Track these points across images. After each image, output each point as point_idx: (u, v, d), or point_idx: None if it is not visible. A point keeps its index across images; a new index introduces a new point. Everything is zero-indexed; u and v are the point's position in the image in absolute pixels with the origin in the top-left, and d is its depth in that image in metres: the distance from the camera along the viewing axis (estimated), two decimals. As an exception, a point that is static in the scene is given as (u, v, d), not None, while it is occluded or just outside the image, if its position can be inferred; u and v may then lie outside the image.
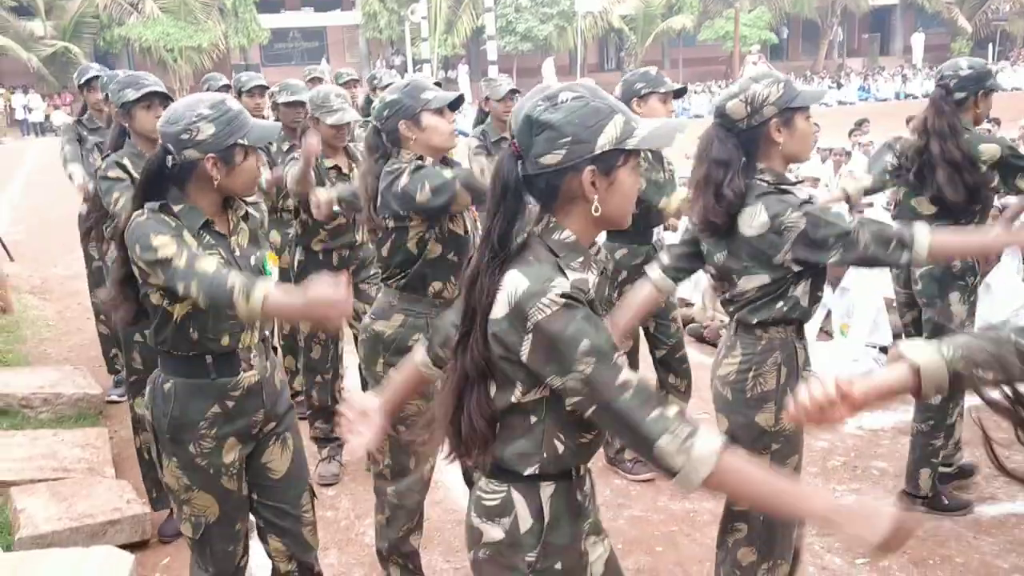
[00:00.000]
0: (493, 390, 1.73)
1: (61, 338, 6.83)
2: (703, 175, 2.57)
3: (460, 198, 2.81)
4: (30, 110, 28.17)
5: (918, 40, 35.26)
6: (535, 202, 1.73)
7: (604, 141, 1.64)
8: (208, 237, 2.42)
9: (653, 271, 2.86)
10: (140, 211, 2.37)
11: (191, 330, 2.43)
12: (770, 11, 34.26)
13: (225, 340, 2.47)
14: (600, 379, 1.60)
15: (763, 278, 2.55)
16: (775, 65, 30.60)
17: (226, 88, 6.16)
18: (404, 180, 2.81)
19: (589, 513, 1.87)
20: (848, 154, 10.76)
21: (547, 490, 1.77)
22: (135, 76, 3.61)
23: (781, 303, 2.57)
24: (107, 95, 4.13)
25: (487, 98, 5.49)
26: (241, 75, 5.92)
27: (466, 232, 3.01)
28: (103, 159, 3.63)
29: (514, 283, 1.65)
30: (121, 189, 3.43)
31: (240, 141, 2.36)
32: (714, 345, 6.14)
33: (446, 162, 3.02)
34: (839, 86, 31.08)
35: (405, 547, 3.17)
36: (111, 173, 3.48)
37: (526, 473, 1.75)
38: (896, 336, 5.72)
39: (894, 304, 5.92)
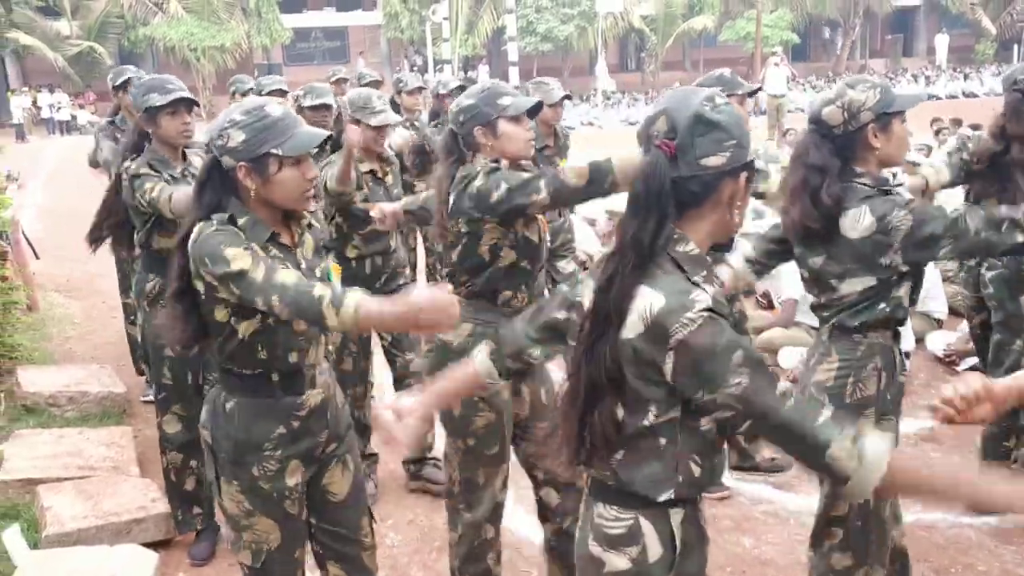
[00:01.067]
0: (621, 413, 1.65)
1: (86, 336, 6.90)
2: (799, 181, 2.57)
3: (539, 200, 2.70)
4: (57, 108, 28.43)
5: (942, 41, 34.95)
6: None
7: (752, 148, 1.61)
8: (275, 250, 2.28)
9: (736, 259, 2.83)
10: (207, 222, 2.24)
11: (259, 348, 2.30)
12: (792, 12, 34.09)
13: (293, 357, 2.35)
14: (758, 391, 1.54)
15: (868, 280, 2.55)
16: (796, 67, 30.45)
17: (252, 91, 6.18)
18: (479, 181, 2.75)
19: (708, 538, 1.82)
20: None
21: (677, 516, 1.71)
22: (161, 80, 3.50)
23: (884, 304, 2.57)
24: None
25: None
26: (261, 79, 5.97)
27: (540, 240, 2.90)
28: (125, 161, 3.55)
29: (647, 300, 1.58)
30: (154, 180, 3.39)
31: (273, 151, 2.20)
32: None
33: (520, 168, 2.92)
34: (862, 87, 30.84)
35: (479, 566, 3.04)
36: (143, 170, 3.43)
37: (660, 499, 1.68)
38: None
39: (917, 309, 5.95)
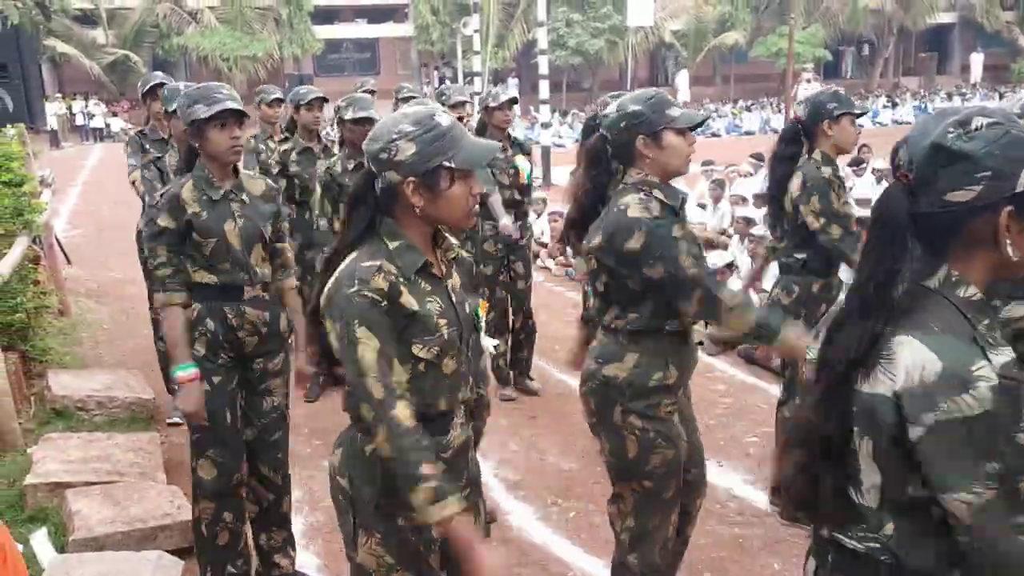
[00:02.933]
0: (877, 479, 1.47)
1: (115, 341, 6.95)
2: None
3: (686, 310, 2.58)
4: (91, 116, 28.80)
5: (977, 60, 34.61)
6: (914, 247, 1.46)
7: None
8: (424, 283, 2.08)
9: None
10: (355, 266, 2.01)
11: (409, 395, 2.07)
12: (824, 28, 33.92)
13: (442, 404, 2.15)
14: (993, 515, 1.33)
15: None
16: (828, 83, 30.22)
17: (279, 101, 6.10)
18: (635, 244, 2.55)
19: None
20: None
21: None
22: (207, 89, 3.16)
23: None
24: (174, 110, 3.98)
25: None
26: (299, 88, 5.74)
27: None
28: (173, 174, 3.41)
29: (919, 358, 1.37)
30: (158, 241, 3.16)
31: (445, 163, 2.01)
32: (764, 367, 6.06)
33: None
34: (894, 105, 30.62)
35: None
36: (154, 226, 3.18)
37: None
38: None
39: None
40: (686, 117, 2.66)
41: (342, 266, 2.05)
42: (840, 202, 3.71)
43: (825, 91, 3.84)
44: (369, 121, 4.54)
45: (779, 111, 25.81)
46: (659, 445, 2.69)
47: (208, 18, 30.54)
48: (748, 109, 30.06)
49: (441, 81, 33.23)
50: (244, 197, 3.27)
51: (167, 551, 3.58)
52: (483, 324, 2.24)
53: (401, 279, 2.02)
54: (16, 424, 4.57)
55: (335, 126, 5.21)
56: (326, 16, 34.04)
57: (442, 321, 2.07)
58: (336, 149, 5.53)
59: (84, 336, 6.95)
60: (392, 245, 2.06)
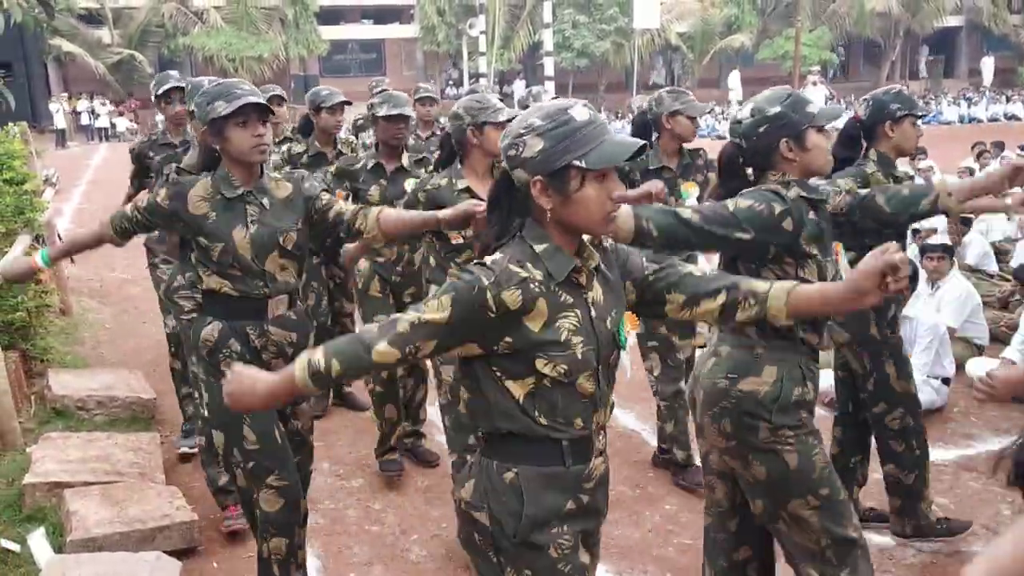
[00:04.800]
0: None
1: (117, 341, 6.93)
2: None
3: None
4: (96, 116, 28.84)
5: (988, 64, 34.41)
6: None
7: None
8: (565, 294, 1.90)
9: None
10: (501, 258, 1.87)
11: (536, 413, 1.91)
12: (831, 31, 33.86)
13: (579, 423, 1.95)
14: None
15: None
16: (835, 86, 30.23)
17: (279, 99, 5.72)
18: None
19: None
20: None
21: None
22: (227, 85, 2.93)
23: None
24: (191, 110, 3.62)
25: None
26: (319, 89, 5.33)
27: (837, 273, 2.63)
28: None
29: None
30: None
31: (576, 163, 1.82)
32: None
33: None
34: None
35: None
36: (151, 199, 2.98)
37: None
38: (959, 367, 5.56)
39: (956, 335, 5.83)
40: (824, 114, 2.56)
41: (490, 259, 1.89)
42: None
43: (888, 90, 3.64)
44: (404, 119, 4.34)
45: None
46: (816, 447, 2.57)
47: (214, 18, 30.57)
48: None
49: (447, 83, 33.22)
50: (264, 201, 2.99)
51: (165, 552, 3.55)
52: (627, 342, 2.02)
53: (543, 287, 1.86)
54: (16, 423, 4.55)
55: (352, 127, 4.92)
56: (332, 17, 34.06)
57: (576, 339, 1.88)
58: (360, 151, 5.28)
59: (86, 336, 6.93)
60: (539, 248, 1.89)
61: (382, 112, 4.30)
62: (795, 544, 2.62)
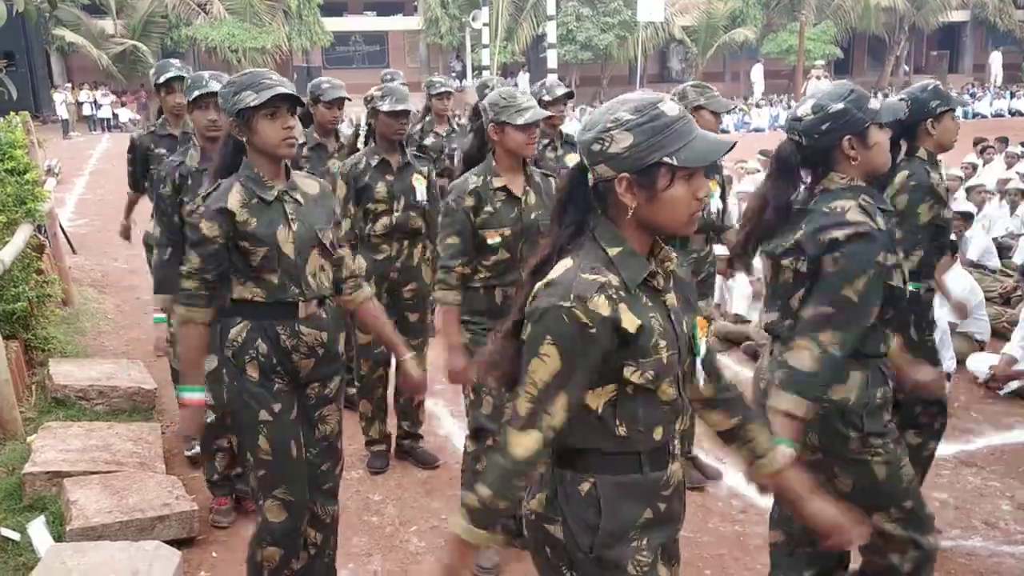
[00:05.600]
0: None
1: (119, 331, 6.94)
2: None
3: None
4: (99, 106, 28.83)
5: (996, 59, 34.18)
6: None
7: None
8: (645, 298, 1.81)
9: None
10: (571, 270, 1.77)
11: (616, 423, 1.83)
12: (836, 26, 33.77)
13: (658, 434, 1.87)
14: None
15: None
16: (839, 80, 29.96)
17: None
18: (832, 266, 2.37)
19: None
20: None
21: None
22: (255, 75, 2.77)
23: None
24: (193, 99, 3.71)
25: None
26: (320, 81, 5.12)
27: (904, 284, 2.54)
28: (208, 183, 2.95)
29: None
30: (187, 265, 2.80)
31: (666, 159, 1.73)
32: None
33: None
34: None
35: None
36: (196, 232, 2.77)
37: None
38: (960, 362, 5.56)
39: (958, 330, 5.83)
40: (888, 109, 2.49)
41: (558, 270, 1.79)
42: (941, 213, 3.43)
43: (924, 87, 3.55)
44: (406, 114, 4.26)
45: (789, 108, 25.65)
46: (903, 458, 2.52)
47: (217, 9, 30.49)
48: (758, 105, 29.92)
49: (451, 75, 33.11)
50: (298, 197, 2.87)
51: (165, 541, 3.56)
52: (702, 347, 1.95)
53: (623, 293, 1.77)
54: (17, 412, 4.56)
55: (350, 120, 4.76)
56: (335, 8, 33.98)
57: (662, 342, 1.80)
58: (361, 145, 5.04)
59: (87, 325, 6.94)
60: (613, 252, 1.79)
61: (384, 107, 4.21)
62: (872, 554, 2.61)
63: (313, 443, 3.02)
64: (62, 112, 26.43)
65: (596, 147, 1.77)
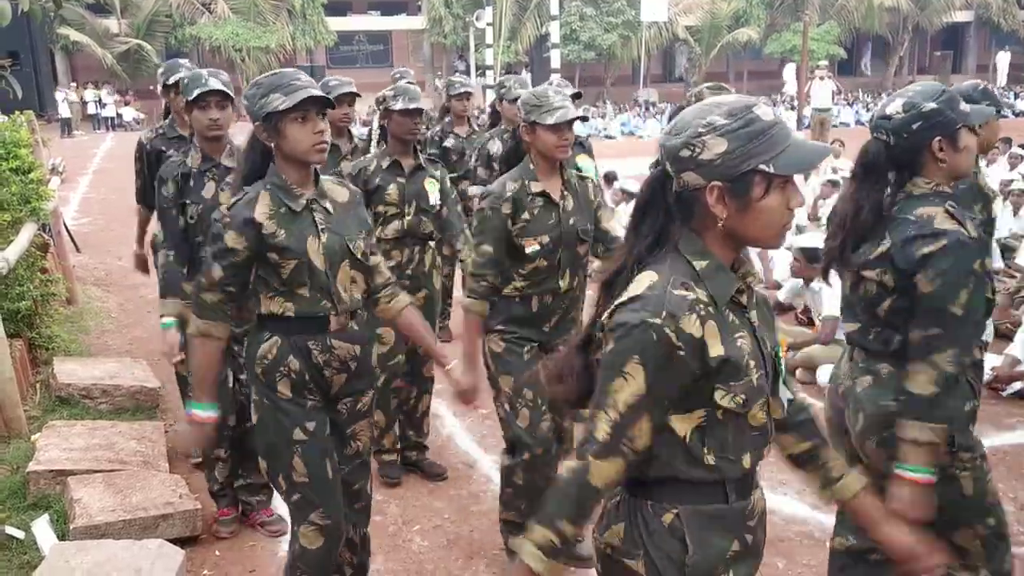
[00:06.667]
0: None
1: (122, 330, 6.96)
2: None
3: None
4: (103, 105, 28.88)
5: (1003, 59, 34.03)
6: None
7: None
8: (732, 316, 1.70)
9: None
10: (660, 283, 1.66)
11: (705, 451, 1.71)
12: (839, 26, 33.75)
13: (747, 462, 1.75)
14: None
15: None
16: (843, 81, 30.03)
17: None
18: (929, 286, 2.30)
19: None
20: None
21: None
22: (283, 76, 2.64)
23: None
24: (191, 100, 3.56)
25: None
26: (328, 79, 5.00)
27: (992, 292, 2.47)
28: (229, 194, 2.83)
29: None
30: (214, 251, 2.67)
31: (762, 167, 1.62)
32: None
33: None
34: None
35: None
36: (220, 243, 2.64)
37: None
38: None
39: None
40: (976, 113, 2.42)
41: (642, 283, 1.67)
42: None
43: (976, 87, 3.39)
44: (419, 113, 4.12)
45: (792, 108, 25.64)
46: (989, 473, 2.46)
47: (221, 8, 30.54)
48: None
49: (455, 73, 33.08)
50: (328, 206, 2.75)
51: (168, 540, 3.56)
52: (784, 368, 1.85)
53: (711, 310, 1.66)
54: (21, 411, 4.58)
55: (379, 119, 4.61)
56: (339, 7, 34.02)
57: (752, 363, 1.70)
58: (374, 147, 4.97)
59: (91, 324, 6.96)
60: (700, 265, 1.68)
61: (397, 106, 4.07)
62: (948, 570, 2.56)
63: (345, 461, 2.91)
64: (63, 111, 26.47)
65: (685, 153, 1.65)
